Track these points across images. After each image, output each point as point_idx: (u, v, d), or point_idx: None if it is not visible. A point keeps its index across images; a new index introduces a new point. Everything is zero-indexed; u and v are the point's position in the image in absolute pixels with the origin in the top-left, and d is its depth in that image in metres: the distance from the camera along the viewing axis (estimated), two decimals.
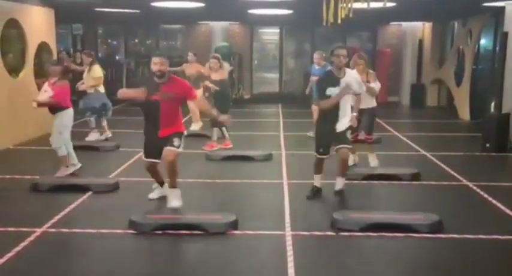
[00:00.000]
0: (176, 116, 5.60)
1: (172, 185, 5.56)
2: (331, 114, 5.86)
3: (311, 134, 9.94)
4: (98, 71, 9.46)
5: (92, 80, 9.38)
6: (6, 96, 9.01)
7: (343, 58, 5.76)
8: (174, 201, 5.51)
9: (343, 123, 5.90)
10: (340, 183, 6.13)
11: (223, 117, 6.18)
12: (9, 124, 9.06)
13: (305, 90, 10.91)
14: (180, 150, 5.51)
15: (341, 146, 5.89)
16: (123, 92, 5.75)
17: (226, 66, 9.11)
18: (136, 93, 5.51)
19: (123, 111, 12.78)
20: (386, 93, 15.69)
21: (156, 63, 5.42)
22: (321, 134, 6.07)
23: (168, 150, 5.42)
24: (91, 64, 9.45)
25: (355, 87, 5.92)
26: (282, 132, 10.89)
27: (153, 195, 6.11)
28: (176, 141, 5.46)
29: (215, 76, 8.69)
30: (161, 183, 6.03)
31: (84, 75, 9.53)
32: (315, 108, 8.94)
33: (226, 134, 8.83)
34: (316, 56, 9.77)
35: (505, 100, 9.29)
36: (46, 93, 6.97)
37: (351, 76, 5.95)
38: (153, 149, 5.60)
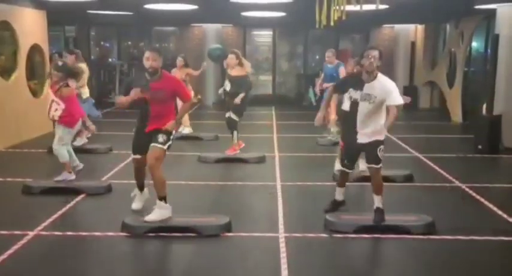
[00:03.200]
0: (168, 114, 5.16)
1: (159, 196, 5.14)
2: (351, 121, 5.24)
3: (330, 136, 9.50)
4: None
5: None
6: None
7: (375, 60, 4.91)
8: (152, 216, 5.13)
9: (366, 134, 5.18)
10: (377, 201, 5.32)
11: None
12: (0, 126, 9.02)
13: (299, 91, 10.76)
14: (165, 147, 5.09)
15: (369, 165, 5.29)
16: (122, 101, 5.18)
17: (247, 64, 8.48)
18: (135, 95, 5.11)
19: (115, 114, 12.74)
20: None
21: (148, 59, 5.01)
22: (346, 143, 5.49)
23: (152, 147, 5.05)
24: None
25: (381, 98, 5.01)
26: (276, 134, 10.90)
27: (137, 205, 5.68)
28: (161, 137, 5.06)
29: (233, 72, 8.06)
30: (141, 188, 5.67)
31: None
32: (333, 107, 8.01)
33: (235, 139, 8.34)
34: (328, 54, 9.55)
35: (497, 102, 9.35)
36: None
37: (382, 84, 5.01)
38: (140, 144, 5.25)
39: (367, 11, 7.56)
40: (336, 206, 5.70)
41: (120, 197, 6.35)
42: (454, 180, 7.22)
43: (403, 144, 9.79)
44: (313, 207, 6.00)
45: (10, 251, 4.59)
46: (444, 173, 7.59)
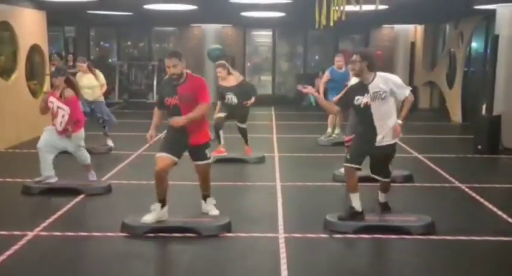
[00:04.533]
0: (202, 120, 5.15)
1: (209, 194, 5.55)
2: (366, 123, 5.09)
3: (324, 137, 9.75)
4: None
5: (102, 87, 9.08)
6: None
7: (355, 64, 5.02)
8: (215, 210, 5.48)
9: (386, 132, 5.08)
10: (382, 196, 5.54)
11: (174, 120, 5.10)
12: (0, 127, 9.01)
13: (299, 92, 10.65)
14: (211, 160, 5.50)
15: (385, 179, 5.42)
16: (152, 135, 5.28)
17: (235, 72, 8.46)
18: (157, 119, 5.29)
19: (115, 115, 12.71)
20: None
21: (168, 67, 4.93)
22: (359, 142, 5.24)
23: (202, 166, 5.33)
24: (91, 69, 8.92)
25: (396, 94, 5.06)
26: (275, 135, 10.90)
27: (149, 218, 5.09)
28: (208, 154, 5.34)
29: (226, 83, 8.10)
30: (163, 202, 5.12)
31: (86, 82, 8.80)
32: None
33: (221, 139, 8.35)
34: (339, 58, 9.46)
35: (496, 102, 9.34)
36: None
37: (384, 80, 5.05)
38: (177, 145, 5.10)
39: (367, 11, 7.56)
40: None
41: (120, 197, 6.36)
42: (453, 180, 7.22)
43: (403, 145, 9.77)
44: (313, 208, 6.00)
45: (9, 252, 4.59)
46: (444, 173, 7.59)
